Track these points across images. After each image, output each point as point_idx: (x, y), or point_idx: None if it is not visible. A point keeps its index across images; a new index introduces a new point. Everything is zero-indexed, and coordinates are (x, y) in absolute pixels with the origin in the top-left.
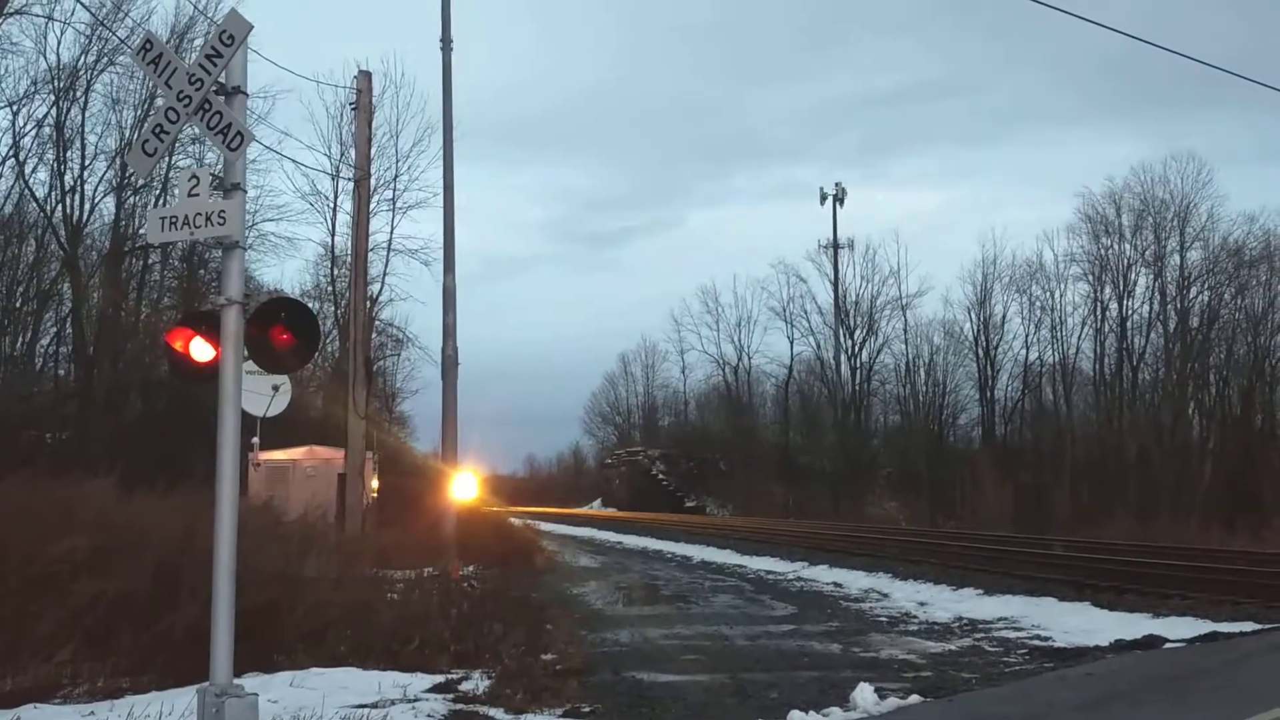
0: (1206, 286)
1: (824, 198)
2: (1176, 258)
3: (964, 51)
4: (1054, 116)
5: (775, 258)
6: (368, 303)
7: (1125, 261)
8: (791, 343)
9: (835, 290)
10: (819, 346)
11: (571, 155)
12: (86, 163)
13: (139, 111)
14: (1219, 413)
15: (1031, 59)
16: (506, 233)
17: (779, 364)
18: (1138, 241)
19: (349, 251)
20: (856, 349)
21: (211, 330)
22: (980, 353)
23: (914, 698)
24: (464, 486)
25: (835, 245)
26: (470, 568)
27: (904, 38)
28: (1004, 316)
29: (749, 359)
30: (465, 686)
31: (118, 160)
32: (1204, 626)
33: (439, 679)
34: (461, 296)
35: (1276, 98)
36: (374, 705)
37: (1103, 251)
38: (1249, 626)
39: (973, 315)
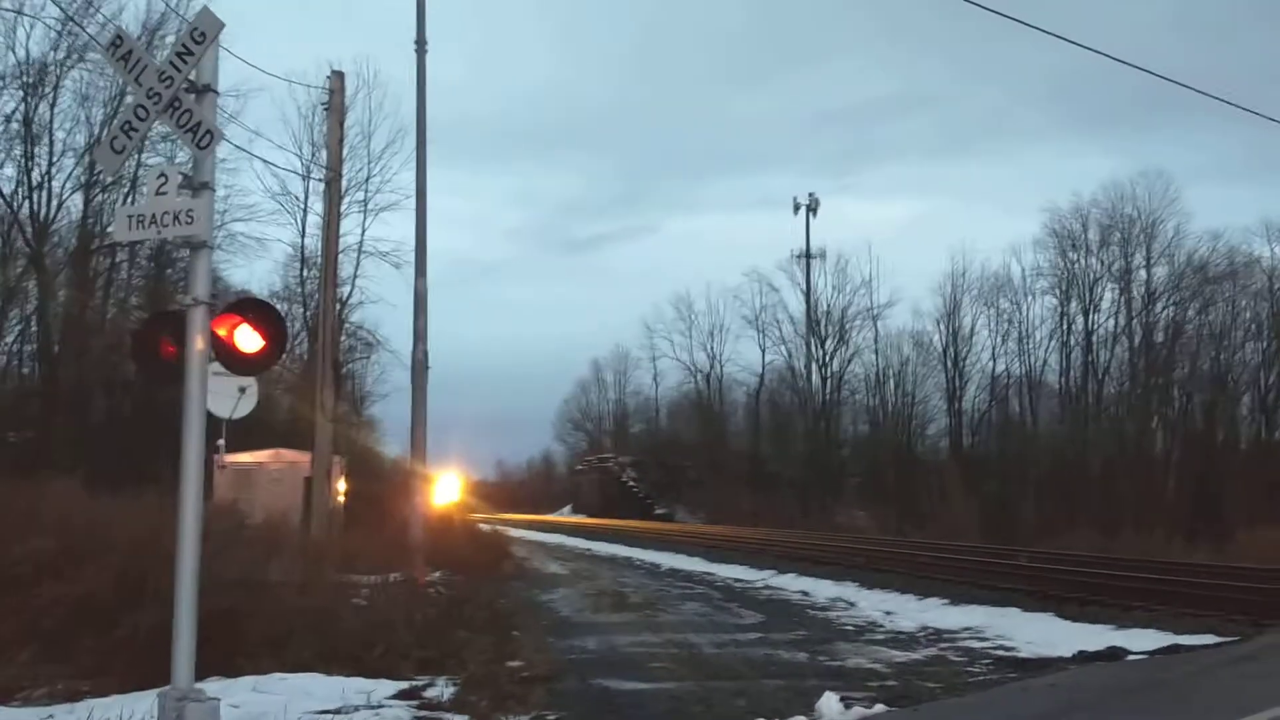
0: (1171, 302)
1: (797, 208)
2: (1142, 273)
3: (932, 68)
4: (1021, 132)
5: (748, 267)
6: (337, 305)
7: (1092, 276)
8: (763, 351)
9: (807, 300)
10: (790, 355)
11: (546, 161)
12: (54, 159)
13: (108, 108)
14: (1182, 426)
15: (998, 76)
16: (480, 237)
17: (750, 372)
18: (1104, 256)
19: (319, 253)
20: (827, 358)
21: (178, 331)
22: (949, 364)
23: (879, 707)
24: (447, 489)
25: (808, 255)
26: (437, 573)
27: (874, 53)
28: (972, 328)
29: (721, 367)
30: (430, 693)
31: (86, 157)
32: (1166, 639)
33: (403, 685)
34: (433, 300)
35: (1239, 118)
36: (337, 711)
37: (1070, 266)
38: (1210, 639)
39: (942, 327)
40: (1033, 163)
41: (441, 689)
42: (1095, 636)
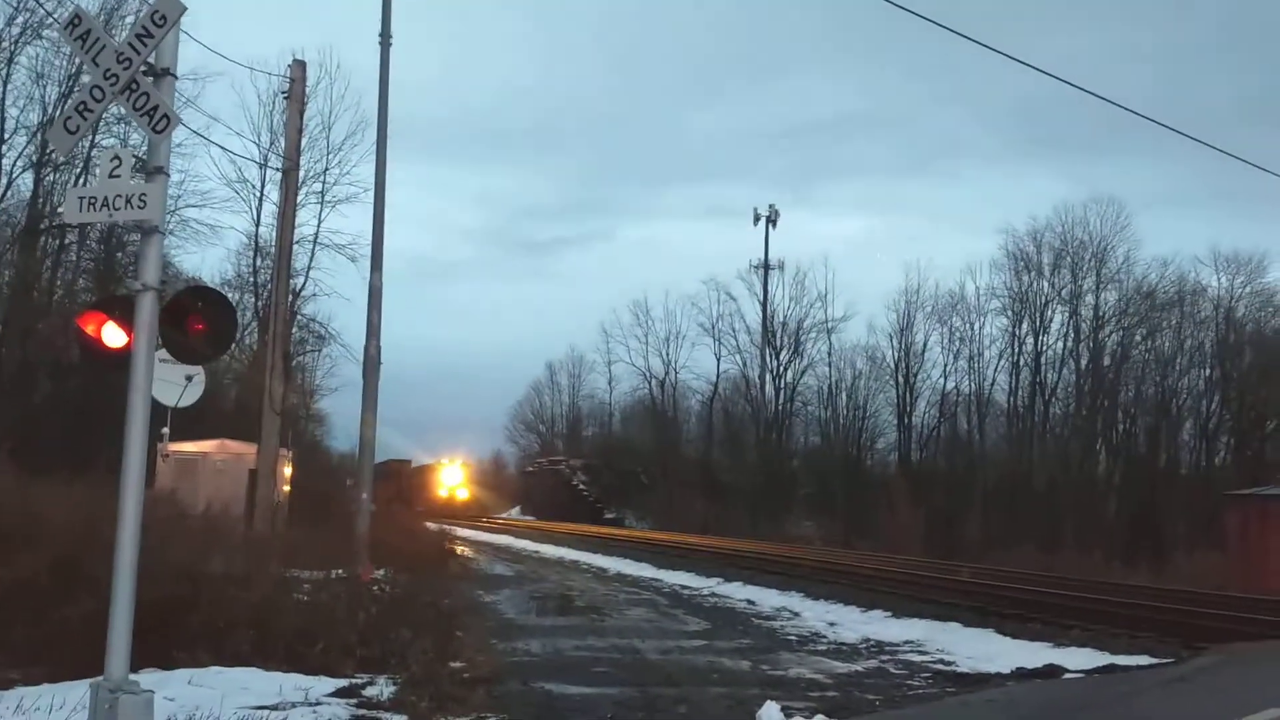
0: (1119, 327)
1: (757, 218)
2: (1092, 297)
3: (893, 88)
4: (979, 155)
5: (706, 275)
6: (290, 296)
7: (1043, 298)
8: (719, 360)
9: (764, 310)
10: (745, 365)
11: (507, 163)
12: (5, 136)
13: (63, 87)
14: (1125, 449)
15: (958, 99)
16: (438, 235)
17: (705, 380)
18: (1056, 280)
19: (273, 243)
20: (782, 369)
21: (125, 316)
22: (900, 379)
23: (819, 718)
24: (452, 477)
25: (765, 266)
26: (381, 571)
27: (836, 71)
28: (925, 345)
29: (676, 374)
30: (370, 692)
31: (39, 136)
32: (1102, 658)
33: (343, 683)
34: (388, 296)
35: (1191, 148)
36: (274, 707)
37: (1022, 287)
38: (1145, 660)
39: (895, 342)
40: (990, 185)
41: (382, 688)
42: (1034, 653)
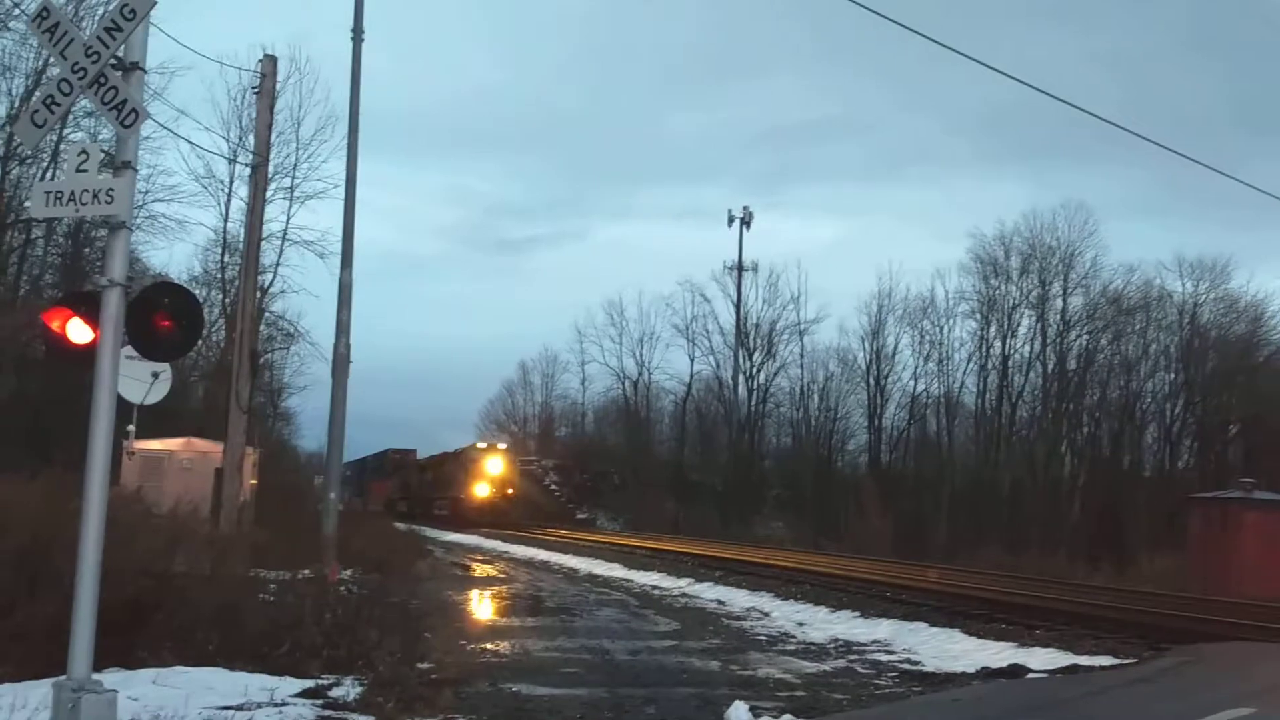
0: (1085, 331)
1: (731, 220)
2: (1059, 302)
3: (866, 93)
4: (950, 161)
5: (681, 276)
6: (258, 293)
7: (1011, 302)
8: (692, 361)
9: (738, 312)
10: (718, 366)
11: (480, 160)
12: None
13: (30, 80)
14: (1089, 452)
15: (930, 105)
16: (410, 232)
17: (679, 381)
18: (1024, 284)
19: (242, 239)
20: (755, 371)
21: (91, 312)
22: (871, 381)
23: (787, 717)
24: (494, 466)
25: (740, 268)
26: (349, 572)
27: (810, 76)
28: (895, 348)
29: (649, 374)
30: (336, 693)
31: (5, 129)
32: (1066, 659)
33: (309, 684)
34: (358, 293)
35: (1157, 155)
36: (239, 708)
37: (991, 292)
38: (1107, 661)
39: (866, 345)
40: (960, 190)
41: (348, 689)
42: (998, 653)
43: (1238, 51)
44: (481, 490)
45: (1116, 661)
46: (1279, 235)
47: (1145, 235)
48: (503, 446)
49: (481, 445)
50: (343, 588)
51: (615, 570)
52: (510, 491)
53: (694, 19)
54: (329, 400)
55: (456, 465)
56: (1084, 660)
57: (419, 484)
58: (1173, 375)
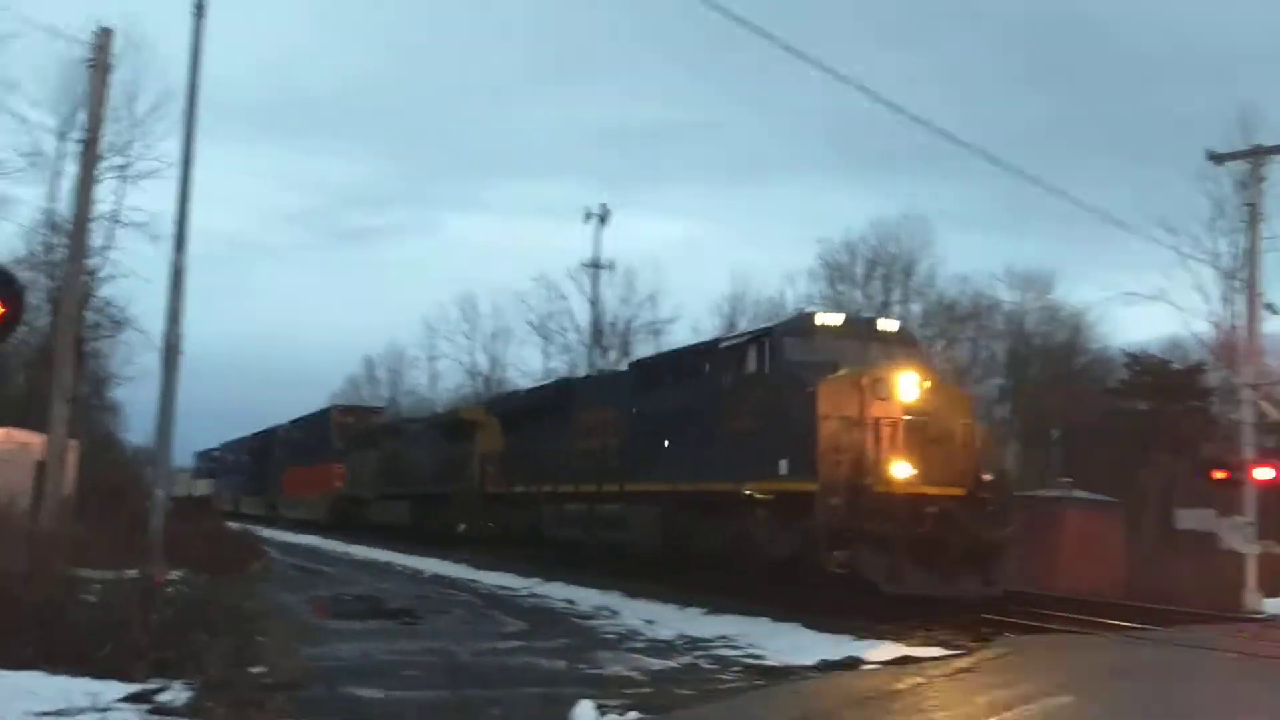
0: (923, 337)
1: (588, 216)
2: (900, 308)
3: (721, 100)
4: (801, 169)
5: (536, 272)
6: (86, 277)
7: (857, 308)
8: (547, 358)
9: (593, 309)
10: (574, 364)
11: (327, 147)
12: None
13: None
14: None
15: (773, 113)
16: (250, 218)
17: (532, 379)
18: (868, 290)
19: (71, 219)
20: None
21: None
22: None
23: (632, 714)
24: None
25: (596, 265)
26: (178, 572)
27: (665, 79)
28: None
29: (502, 371)
30: (163, 697)
31: None
32: (899, 650)
33: (135, 688)
34: (194, 280)
35: (989, 172)
36: (60, 713)
37: (838, 297)
38: (937, 652)
39: None
40: (809, 198)
41: (177, 693)
42: (837, 646)
43: (1065, 76)
44: None
45: (945, 653)
46: (1101, 250)
47: (980, 247)
48: None
49: None
50: (171, 589)
51: (462, 570)
52: None
53: (540, 14)
54: (159, 392)
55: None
56: (916, 652)
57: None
58: (1001, 380)
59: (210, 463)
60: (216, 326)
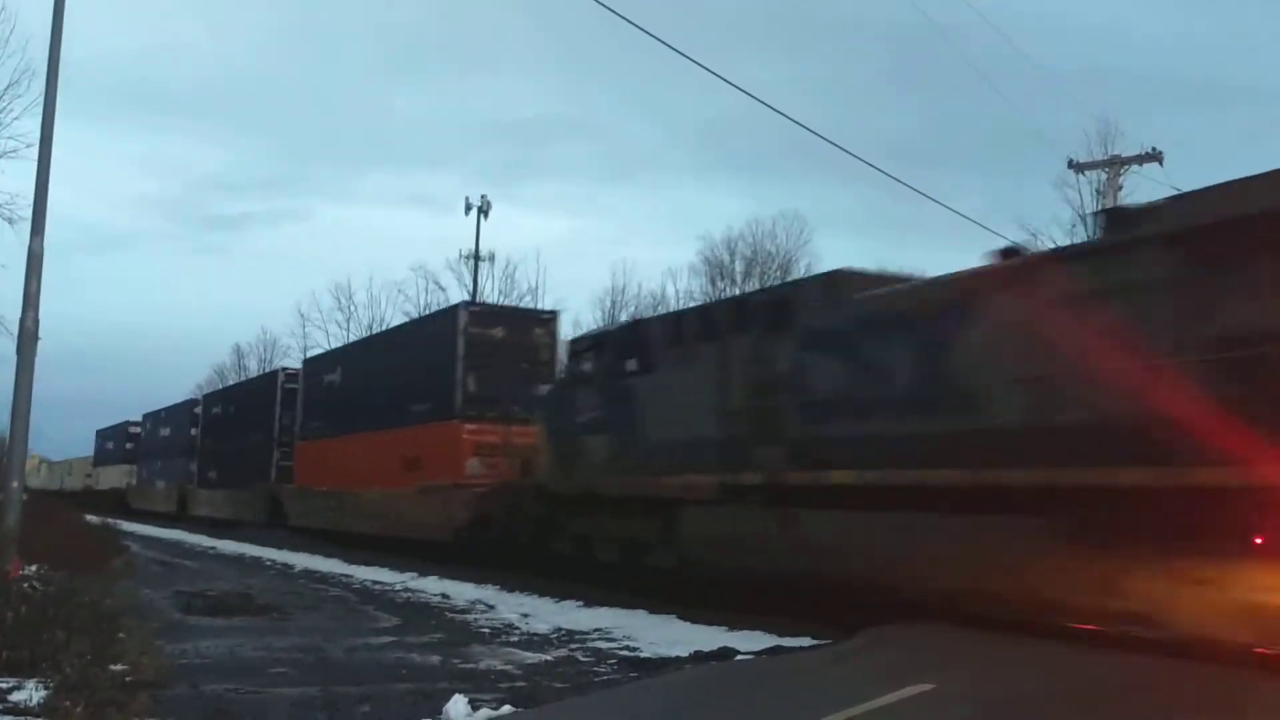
0: None
1: (468, 207)
2: None
3: (598, 97)
4: (678, 168)
5: (413, 262)
6: None
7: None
8: None
9: (473, 300)
10: None
11: (187, 130)
12: None
13: None
14: None
15: (655, 113)
16: (112, 203)
17: None
18: (747, 286)
19: None
20: None
21: None
22: None
23: (506, 708)
24: None
25: (476, 256)
26: (33, 568)
27: (543, 74)
28: None
29: None
30: (16, 697)
31: None
32: (771, 640)
33: None
34: (51, 265)
35: (860, 177)
36: None
37: (718, 292)
38: (807, 642)
39: None
40: (688, 196)
41: (31, 692)
42: (711, 637)
43: (930, 88)
44: None
45: (815, 643)
46: (961, 255)
47: (852, 249)
48: None
49: None
50: (26, 585)
51: (335, 565)
52: None
53: (419, 5)
54: (12, 381)
55: None
56: (786, 642)
57: None
58: None
59: (125, 441)
60: (77, 318)
